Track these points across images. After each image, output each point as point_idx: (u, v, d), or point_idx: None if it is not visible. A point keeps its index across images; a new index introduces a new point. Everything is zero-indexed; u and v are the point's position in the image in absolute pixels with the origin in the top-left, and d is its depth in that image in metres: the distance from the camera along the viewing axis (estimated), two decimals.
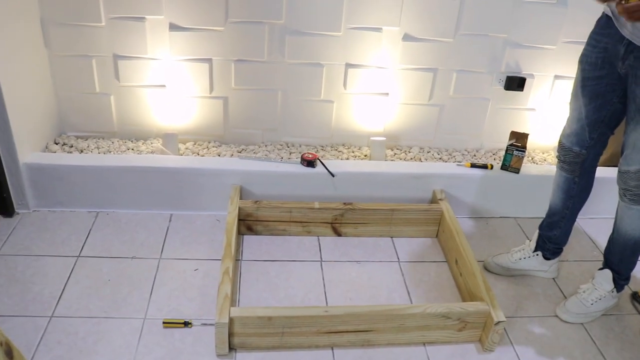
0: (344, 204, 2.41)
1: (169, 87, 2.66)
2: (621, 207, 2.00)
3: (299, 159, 2.53)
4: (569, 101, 2.04)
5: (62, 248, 2.23)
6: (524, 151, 2.61)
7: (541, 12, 2.62)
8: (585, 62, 1.91)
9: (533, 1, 2.60)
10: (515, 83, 2.80)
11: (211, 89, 2.68)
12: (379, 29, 2.59)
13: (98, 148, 2.65)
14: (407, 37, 2.62)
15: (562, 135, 2.10)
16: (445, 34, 2.63)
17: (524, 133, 2.62)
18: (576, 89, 1.97)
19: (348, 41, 2.60)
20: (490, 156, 2.92)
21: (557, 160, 2.15)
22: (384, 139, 2.73)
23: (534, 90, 2.84)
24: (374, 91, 2.74)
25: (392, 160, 2.74)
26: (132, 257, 2.22)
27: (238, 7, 2.49)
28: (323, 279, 2.19)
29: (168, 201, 2.49)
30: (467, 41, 2.66)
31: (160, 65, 2.60)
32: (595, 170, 2.12)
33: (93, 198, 2.46)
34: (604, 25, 1.85)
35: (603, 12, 1.87)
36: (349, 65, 2.66)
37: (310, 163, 2.49)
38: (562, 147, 2.10)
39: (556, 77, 2.82)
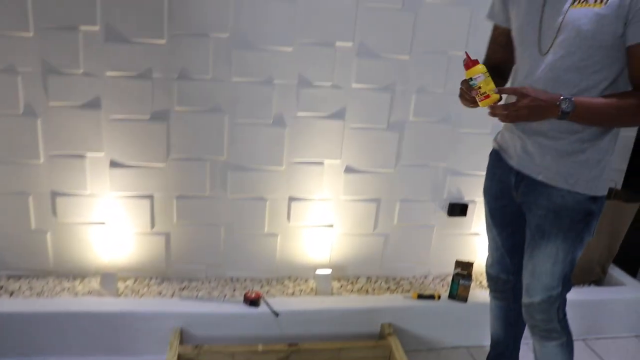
0: (289, 345, 2.32)
1: (108, 224, 2.59)
2: (535, 344, 1.95)
3: (243, 298, 2.46)
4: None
5: None
6: (470, 279, 2.61)
7: (476, 142, 2.71)
8: (487, 194, 2.00)
9: (469, 132, 2.70)
10: (458, 209, 2.84)
11: (152, 225, 2.62)
12: (320, 163, 2.62)
13: (31, 289, 2.52)
14: (349, 170, 2.66)
15: (486, 266, 2.12)
16: (387, 165, 2.68)
17: (468, 262, 2.63)
18: (487, 220, 2.03)
19: (291, 175, 2.62)
20: (439, 282, 2.90)
21: (488, 290, 2.15)
22: (330, 272, 2.69)
23: (476, 215, 2.88)
24: (319, 223, 2.73)
25: (338, 294, 2.68)
26: None
27: (180, 144, 2.49)
28: None
29: (103, 347, 2.35)
30: (409, 171, 2.72)
31: (100, 201, 2.54)
32: None
33: (20, 346, 2.30)
34: (495, 157, 1.94)
35: (493, 146, 1.97)
36: (292, 199, 2.66)
37: (253, 302, 2.41)
38: (489, 277, 2.12)
39: None
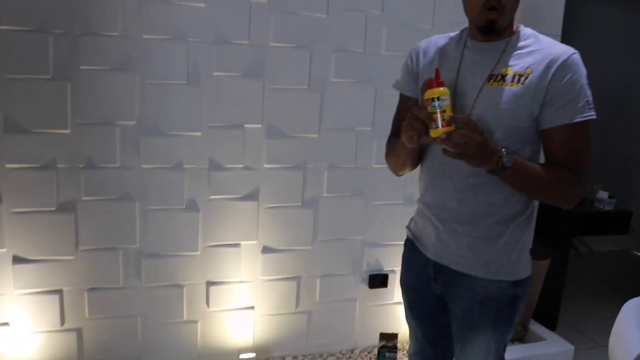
0: None
1: (13, 324, 2.42)
2: None
3: None
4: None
5: None
6: (396, 351, 2.60)
7: (391, 212, 2.77)
8: (405, 285, 1.85)
9: (382, 204, 2.76)
10: (379, 280, 2.85)
11: (62, 322, 2.47)
12: (237, 245, 2.59)
13: None
14: (266, 249, 2.64)
15: (409, 355, 1.99)
16: (304, 242, 2.68)
17: (392, 333, 2.63)
18: (406, 311, 1.88)
19: (207, 259, 2.56)
20: (366, 355, 2.87)
21: None
22: (254, 355, 2.61)
23: (397, 285, 2.89)
24: (239, 306, 2.67)
25: None
26: None
27: (89, 235, 2.40)
28: None
29: None
30: (326, 246, 2.72)
31: (2, 300, 2.38)
32: None
33: None
34: (410, 247, 1.81)
35: (407, 235, 1.85)
36: (210, 283, 2.59)
37: None
38: None
39: None
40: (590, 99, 1.47)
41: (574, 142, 1.49)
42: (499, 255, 1.59)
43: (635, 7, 4.82)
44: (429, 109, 1.37)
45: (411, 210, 2.81)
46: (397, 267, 2.87)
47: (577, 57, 1.47)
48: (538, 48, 1.50)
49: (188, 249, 2.52)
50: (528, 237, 1.64)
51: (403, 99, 1.76)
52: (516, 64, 1.50)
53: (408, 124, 1.43)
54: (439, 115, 1.36)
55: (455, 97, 1.53)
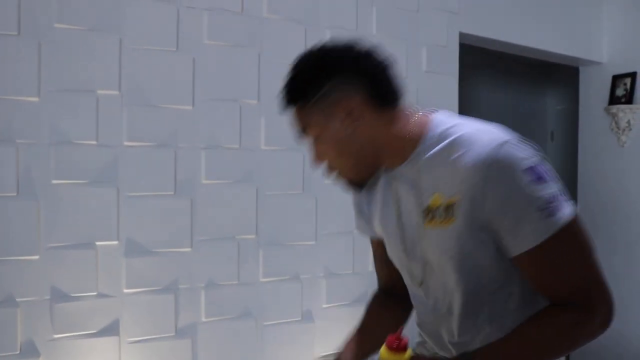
0: None
1: None
2: None
3: None
4: None
5: None
6: None
7: (288, 332, 2.34)
8: None
9: (276, 323, 2.33)
10: None
11: None
12: None
13: None
14: None
15: None
16: None
17: None
18: None
19: None
20: None
21: None
22: None
23: None
24: None
25: None
26: None
27: None
28: None
29: None
30: None
31: None
32: None
33: None
34: None
35: None
36: None
37: None
38: None
39: None
40: (550, 194, 1.04)
41: (557, 264, 1.07)
42: None
43: (514, 91, 4.96)
44: None
45: (311, 329, 2.43)
46: None
47: (505, 150, 1.05)
48: (454, 155, 1.08)
49: None
50: None
51: (370, 240, 1.42)
52: (440, 188, 1.10)
53: None
54: None
55: (405, 244, 1.21)
